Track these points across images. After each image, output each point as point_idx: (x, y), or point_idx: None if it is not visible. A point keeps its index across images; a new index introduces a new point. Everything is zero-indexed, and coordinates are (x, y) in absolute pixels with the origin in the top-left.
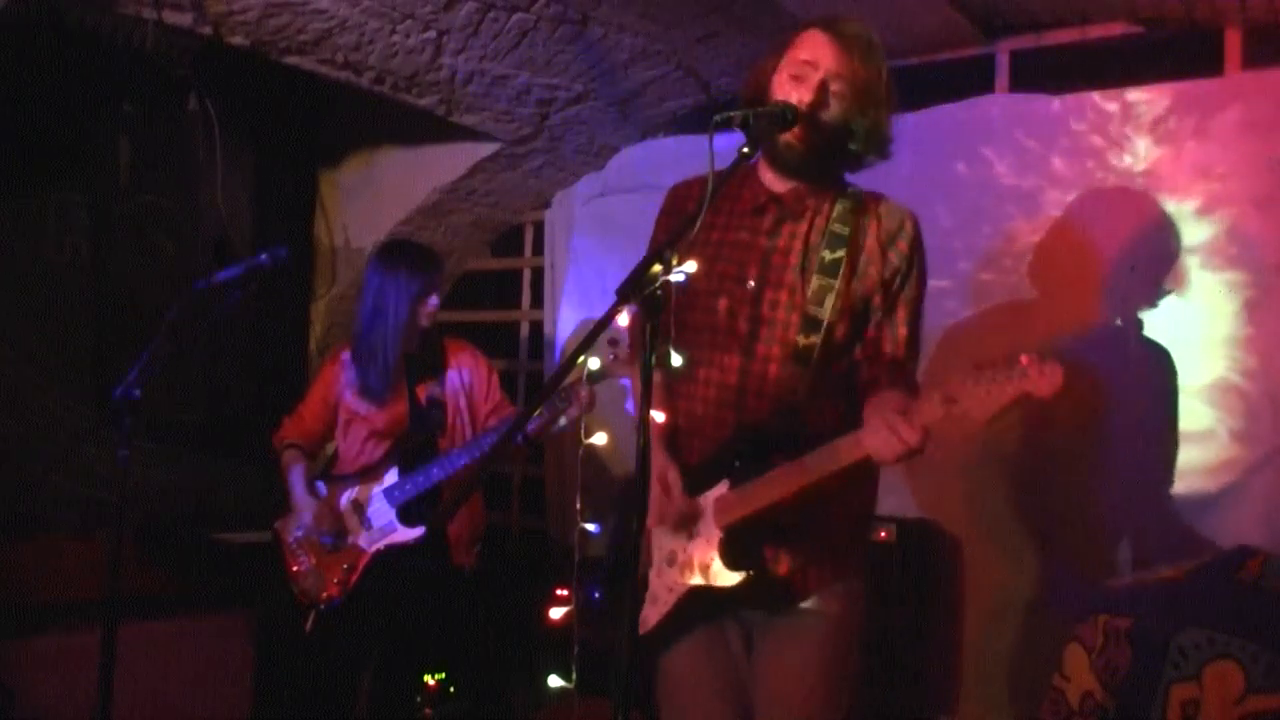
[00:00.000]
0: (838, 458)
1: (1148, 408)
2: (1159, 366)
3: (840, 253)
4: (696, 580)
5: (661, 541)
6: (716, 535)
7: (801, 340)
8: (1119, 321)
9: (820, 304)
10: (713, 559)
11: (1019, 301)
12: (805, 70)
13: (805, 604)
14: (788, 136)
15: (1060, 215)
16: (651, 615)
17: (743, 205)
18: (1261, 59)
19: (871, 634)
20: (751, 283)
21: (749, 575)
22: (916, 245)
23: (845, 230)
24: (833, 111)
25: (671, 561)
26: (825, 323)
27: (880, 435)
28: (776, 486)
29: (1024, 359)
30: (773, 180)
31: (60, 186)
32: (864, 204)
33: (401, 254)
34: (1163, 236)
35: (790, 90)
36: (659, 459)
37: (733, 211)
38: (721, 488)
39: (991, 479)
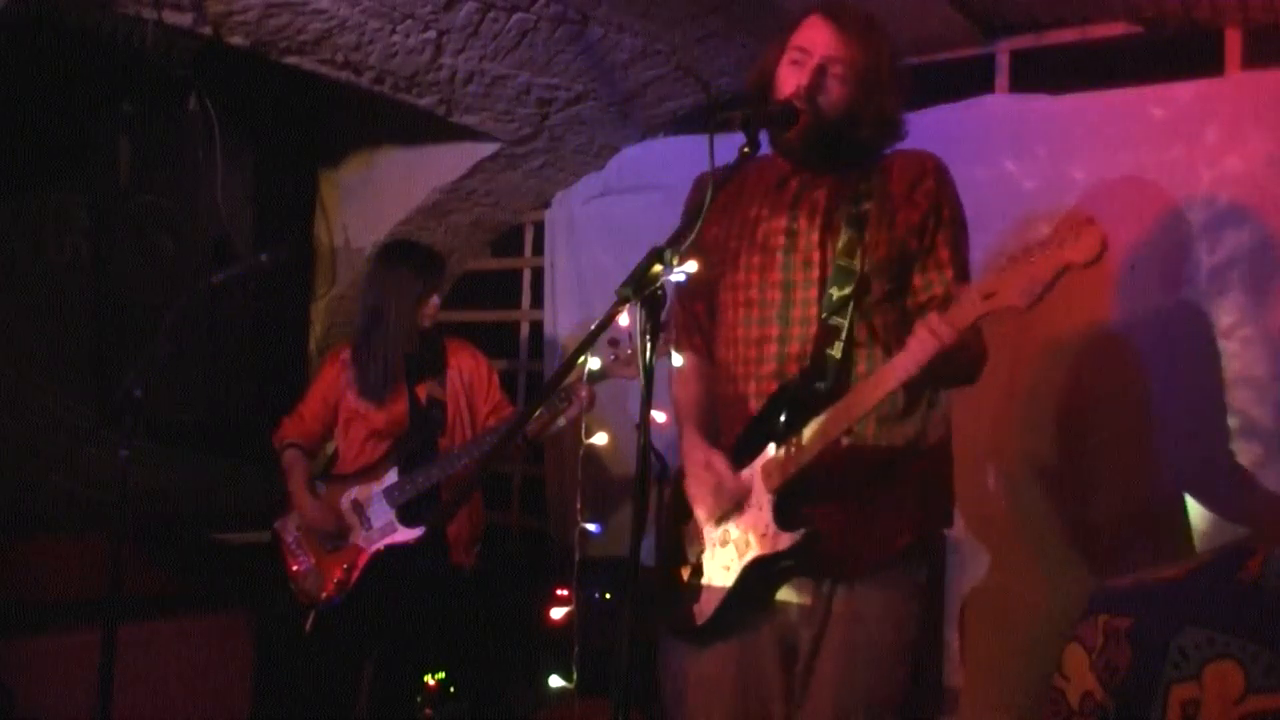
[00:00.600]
0: (881, 384)
1: (1150, 405)
2: (1163, 365)
3: (866, 205)
4: (754, 552)
5: (710, 529)
6: (768, 499)
7: (835, 293)
8: (1123, 320)
9: (851, 256)
10: (768, 524)
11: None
12: (803, 56)
13: (856, 617)
14: (791, 133)
15: (1062, 214)
16: (708, 605)
17: (767, 181)
18: (1261, 59)
19: None
20: (780, 253)
21: (805, 534)
22: (943, 182)
23: (867, 185)
24: (832, 97)
25: (725, 542)
26: (858, 274)
27: (915, 339)
28: (822, 433)
29: (1055, 230)
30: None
31: (60, 186)
32: (879, 160)
33: (403, 254)
34: (1167, 234)
35: (788, 75)
36: (699, 450)
37: (756, 188)
38: (766, 453)
39: (991, 479)
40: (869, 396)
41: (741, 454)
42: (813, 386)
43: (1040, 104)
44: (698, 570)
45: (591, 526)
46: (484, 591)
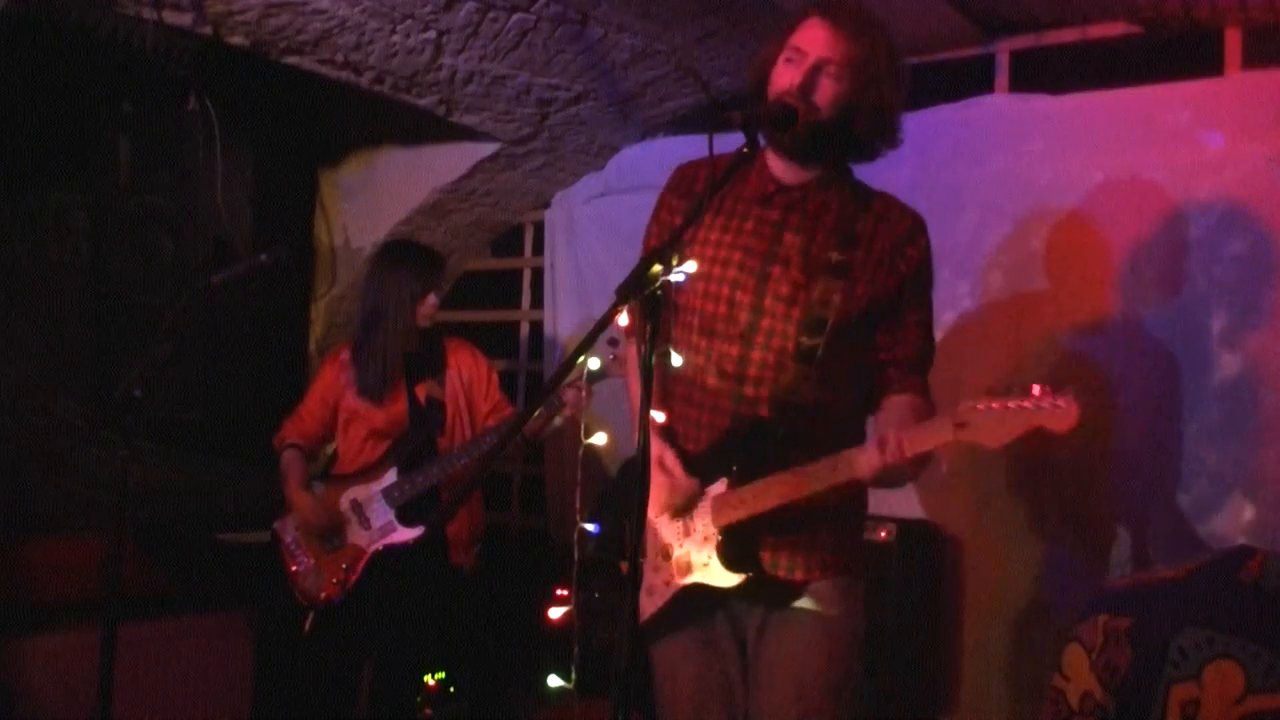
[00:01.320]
0: (837, 473)
1: (1154, 406)
2: (1164, 365)
3: (848, 254)
4: (694, 579)
5: (658, 534)
6: (714, 535)
7: (805, 340)
8: (1124, 320)
9: (825, 304)
10: (711, 558)
11: (1025, 299)
12: (798, 55)
13: (802, 602)
14: (786, 131)
15: (1063, 215)
16: (647, 607)
17: (750, 192)
18: (1261, 59)
19: (871, 634)
20: (754, 274)
21: (748, 578)
22: (927, 251)
23: (853, 232)
24: (827, 95)
25: (667, 556)
26: (830, 324)
27: (882, 448)
28: (775, 493)
29: (1036, 390)
30: (781, 169)
31: (60, 186)
32: (872, 205)
33: (402, 253)
34: (1167, 234)
35: (783, 73)
36: (654, 445)
37: (739, 197)
38: (720, 486)
39: (992, 479)
40: (823, 479)
41: (695, 471)
42: (772, 429)
43: (1039, 104)
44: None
45: (591, 526)
46: (484, 591)
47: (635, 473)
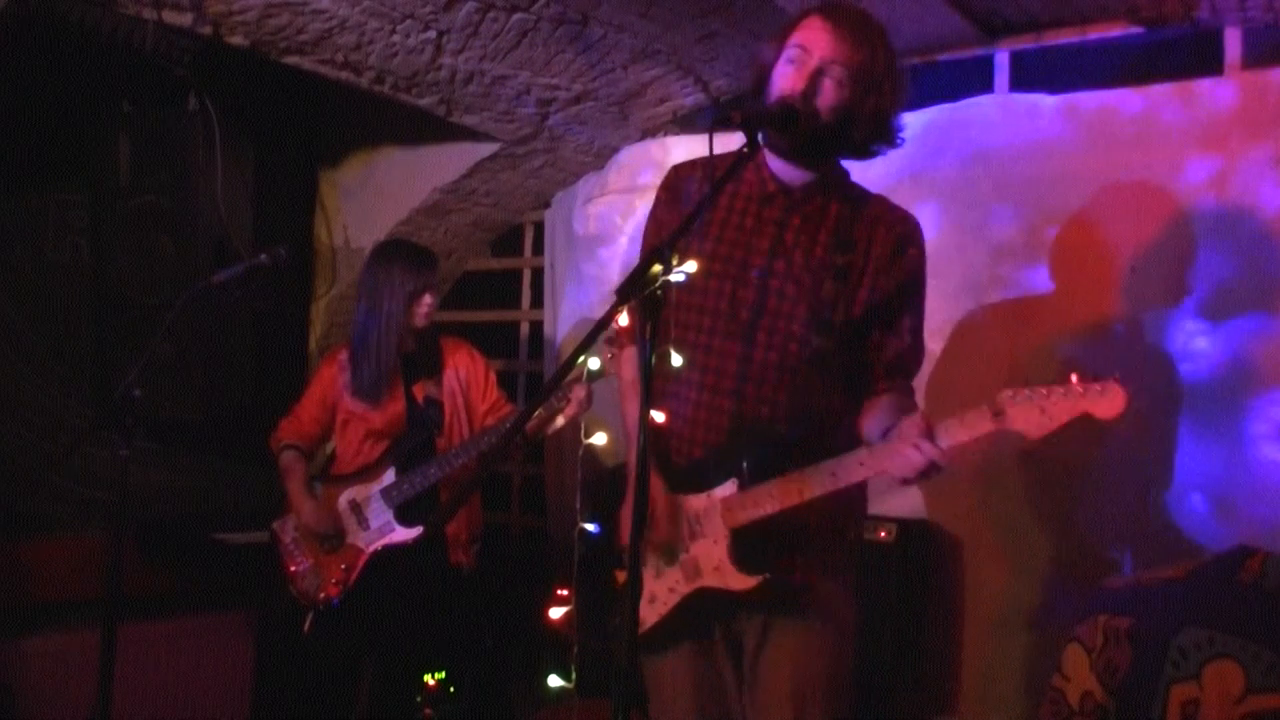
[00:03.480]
0: (863, 469)
1: (1155, 407)
2: (1164, 366)
3: (850, 257)
4: (702, 582)
5: (659, 540)
6: (725, 536)
7: (815, 341)
8: (1124, 321)
9: (833, 306)
10: (723, 560)
11: (1023, 301)
12: (800, 56)
13: (801, 605)
14: (786, 134)
15: (1063, 215)
16: (649, 616)
17: (747, 189)
18: (1261, 59)
19: (872, 634)
20: (756, 272)
21: (763, 579)
22: (923, 253)
23: (851, 236)
24: (829, 99)
25: (671, 561)
26: (837, 325)
27: (903, 455)
28: (789, 493)
29: (1074, 378)
30: (780, 169)
31: (60, 186)
32: (870, 207)
33: (396, 253)
34: (1167, 236)
35: (785, 74)
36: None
37: (736, 194)
38: (729, 487)
39: (993, 479)
40: (839, 478)
41: (699, 475)
42: (779, 431)
43: (1039, 104)
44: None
45: (591, 526)
46: (484, 591)
47: (624, 477)
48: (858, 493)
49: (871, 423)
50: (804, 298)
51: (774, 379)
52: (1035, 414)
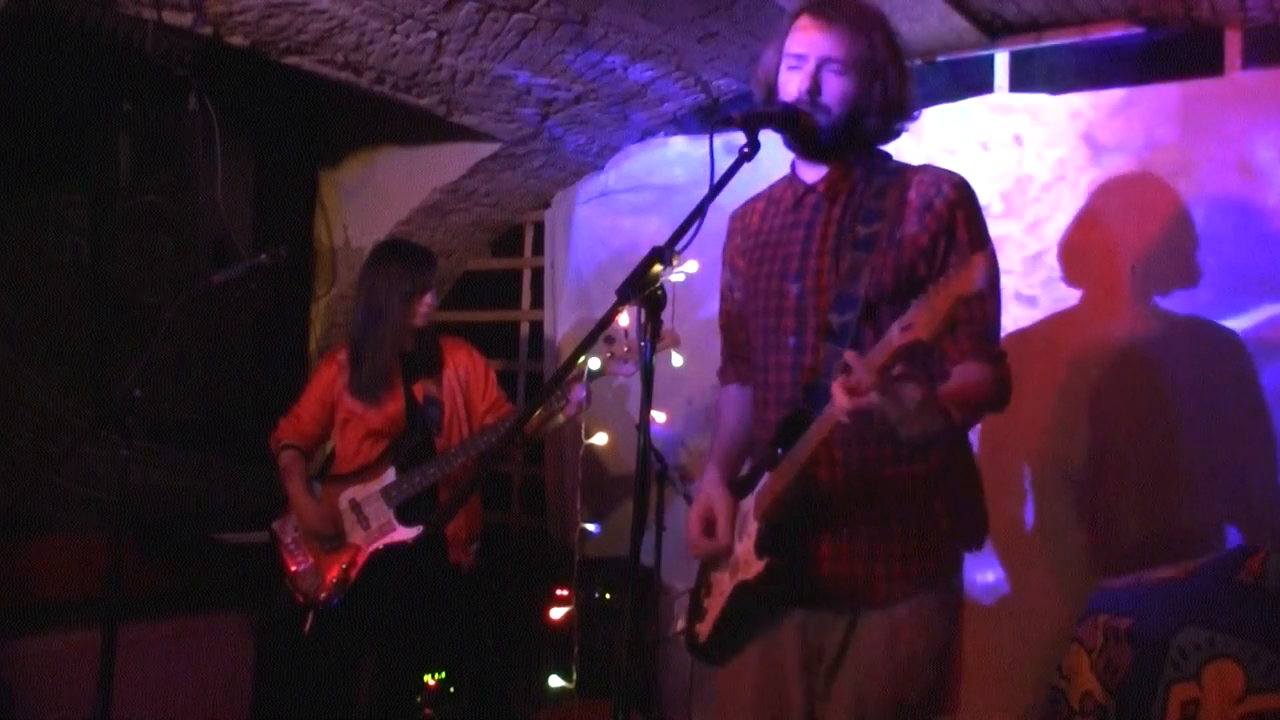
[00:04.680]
0: (820, 429)
1: (1155, 406)
2: (1163, 364)
3: (875, 226)
4: (739, 577)
5: (721, 548)
6: (754, 526)
7: (835, 319)
8: (1126, 320)
9: (855, 280)
10: (749, 550)
11: (1025, 300)
12: (799, 61)
13: (891, 622)
14: (802, 135)
15: (1064, 215)
16: (703, 628)
17: (786, 203)
18: (1261, 59)
19: None
20: (793, 278)
21: (770, 562)
22: (959, 203)
23: (880, 204)
24: (835, 93)
25: (719, 565)
26: (861, 299)
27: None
28: (789, 461)
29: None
30: (806, 171)
31: (60, 186)
32: (901, 175)
33: (395, 253)
34: (1168, 234)
35: (789, 81)
36: (703, 493)
37: (778, 213)
38: (763, 480)
39: (992, 478)
40: (811, 439)
41: (752, 481)
42: (809, 414)
43: (1040, 104)
44: (709, 588)
45: (591, 526)
46: (483, 591)
47: (641, 475)
48: (958, 484)
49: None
50: (826, 283)
51: (808, 364)
52: (926, 315)
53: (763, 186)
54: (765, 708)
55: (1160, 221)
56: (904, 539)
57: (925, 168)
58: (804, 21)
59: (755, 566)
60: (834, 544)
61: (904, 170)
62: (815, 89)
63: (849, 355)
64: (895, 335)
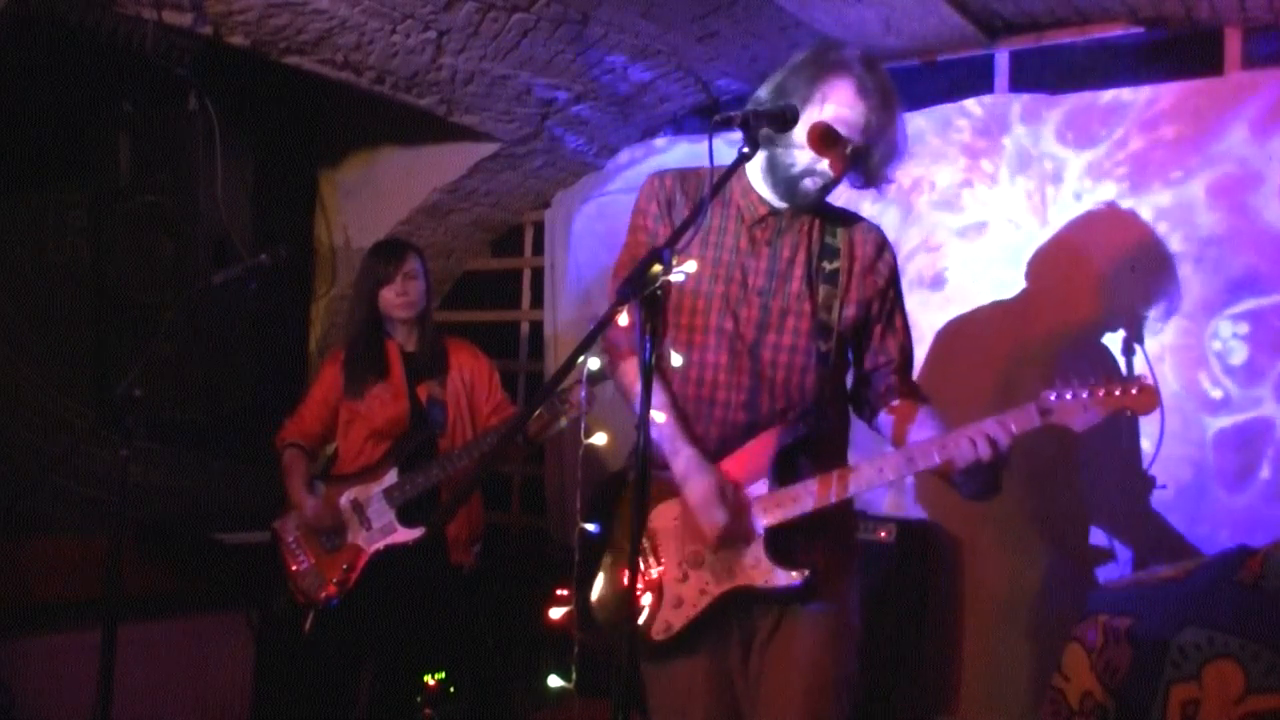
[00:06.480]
0: (913, 464)
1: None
2: (1163, 364)
3: (836, 263)
4: (738, 581)
5: (680, 544)
6: (759, 535)
7: (821, 346)
8: (1117, 322)
9: (829, 311)
10: (759, 558)
11: (1017, 302)
12: (834, 137)
13: (817, 599)
14: (810, 184)
15: (1063, 215)
16: (676, 620)
17: (736, 211)
18: (1261, 59)
19: (871, 634)
20: (758, 290)
21: (807, 575)
22: (896, 260)
23: (836, 243)
24: (850, 161)
25: (699, 564)
26: (834, 328)
27: (967, 443)
28: (827, 490)
29: (1106, 379)
30: (768, 194)
31: (60, 186)
32: (845, 218)
33: (371, 249)
34: (1167, 234)
35: (820, 150)
36: (709, 474)
37: (727, 215)
38: (760, 486)
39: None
40: (888, 473)
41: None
42: (800, 432)
43: (1040, 104)
44: (655, 588)
45: (591, 526)
46: (484, 591)
47: (621, 479)
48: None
49: (916, 430)
50: (806, 308)
51: (783, 388)
52: (1079, 410)
53: None
54: (718, 701)
55: (1159, 221)
56: (837, 533)
57: (852, 216)
58: (849, 94)
59: (780, 577)
60: (828, 553)
61: (844, 214)
62: (847, 167)
63: (996, 420)
64: (1034, 415)
